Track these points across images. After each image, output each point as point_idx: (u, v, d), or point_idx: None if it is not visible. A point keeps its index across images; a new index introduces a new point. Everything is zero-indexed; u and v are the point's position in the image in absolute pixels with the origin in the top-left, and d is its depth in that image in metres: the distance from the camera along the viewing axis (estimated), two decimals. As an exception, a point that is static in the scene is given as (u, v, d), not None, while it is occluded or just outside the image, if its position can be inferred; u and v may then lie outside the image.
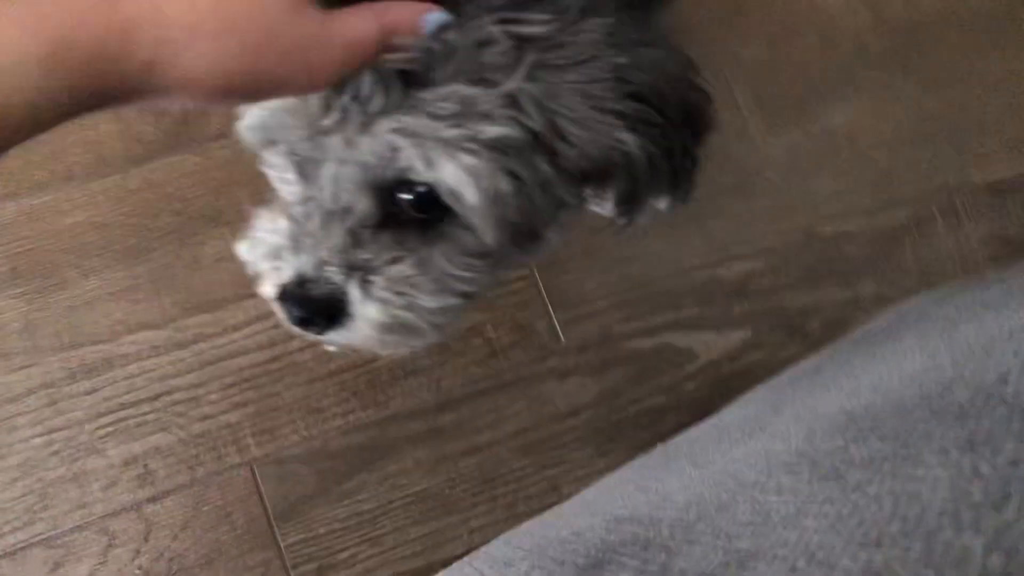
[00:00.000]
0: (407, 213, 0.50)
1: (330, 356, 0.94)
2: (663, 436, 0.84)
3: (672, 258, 0.97)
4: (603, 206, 0.57)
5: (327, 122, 0.47)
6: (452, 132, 0.46)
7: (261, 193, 0.94)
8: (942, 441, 0.28)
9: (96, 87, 0.35)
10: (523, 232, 0.52)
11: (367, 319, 0.52)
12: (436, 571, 0.77)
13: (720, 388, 0.96)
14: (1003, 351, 0.35)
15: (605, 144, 0.49)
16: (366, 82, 0.46)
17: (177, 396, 0.92)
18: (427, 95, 0.46)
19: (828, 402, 0.48)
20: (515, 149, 0.47)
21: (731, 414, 0.76)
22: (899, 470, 0.28)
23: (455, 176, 0.47)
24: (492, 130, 0.46)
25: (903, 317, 0.73)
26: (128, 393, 0.92)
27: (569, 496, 0.83)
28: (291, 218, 0.52)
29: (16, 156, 0.94)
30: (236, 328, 0.93)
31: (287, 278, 0.52)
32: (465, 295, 0.54)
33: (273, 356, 0.94)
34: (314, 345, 0.94)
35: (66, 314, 0.92)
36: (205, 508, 0.91)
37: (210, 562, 0.90)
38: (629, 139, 0.49)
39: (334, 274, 0.51)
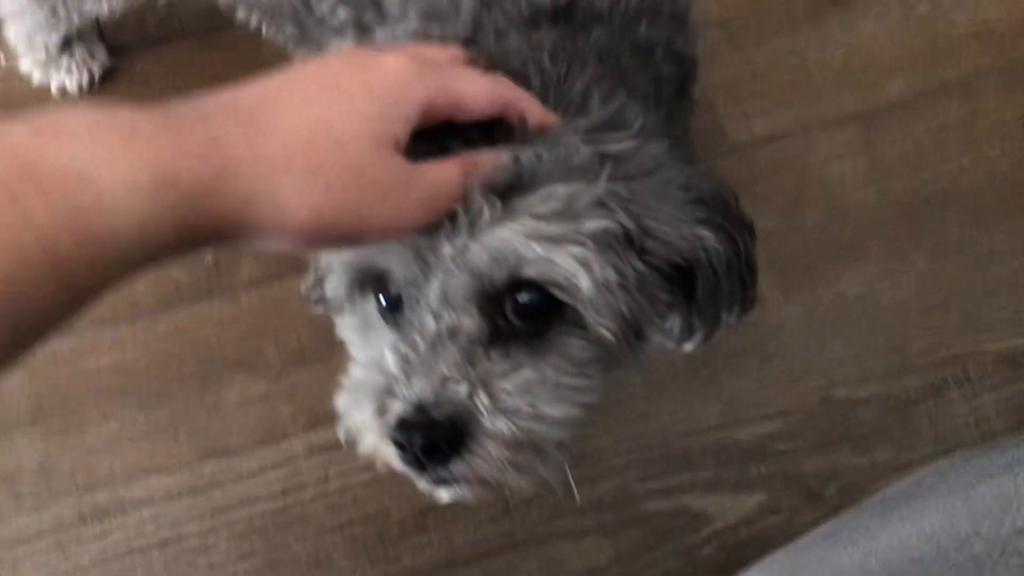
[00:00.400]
0: (514, 327, 0.51)
1: (340, 508, 0.93)
2: (679, 602, 0.82)
3: (688, 418, 0.97)
4: (670, 331, 0.59)
5: (436, 237, 0.49)
6: (557, 228, 0.48)
7: (287, 341, 0.97)
8: (959, 591, 0.28)
9: (199, 223, 0.37)
10: (630, 328, 0.53)
11: (497, 435, 0.49)
12: None
13: (736, 553, 0.94)
14: (1019, 507, 0.35)
15: (688, 238, 0.52)
16: (474, 195, 0.48)
17: (186, 544, 0.91)
18: (528, 198, 0.49)
19: (846, 562, 0.48)
20: (612, 245, 0.50)
21: (748, 578, 0.74)
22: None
23: (568, 266, 0.48)
24: (593, 223, 0.49)
25: (921, 481, 0.72)
26: (138, 538, 0.91)
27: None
28: (394, 351, 0.51)
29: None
30: (251, 475, 0.93)
31: (405, 410, 0.49)
32: (583, 405, 0.54)
33: (285, 505, 0.93)
34: (325, 495, 0.93)
35: (83, 456, 0.92)
36: (205, 663, 0.88)
37: None
38: (708, 235, 0.52)
39: (457, 389, 0.49)
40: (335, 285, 0.57)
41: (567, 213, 0.49)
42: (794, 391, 0.99)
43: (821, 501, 0.95)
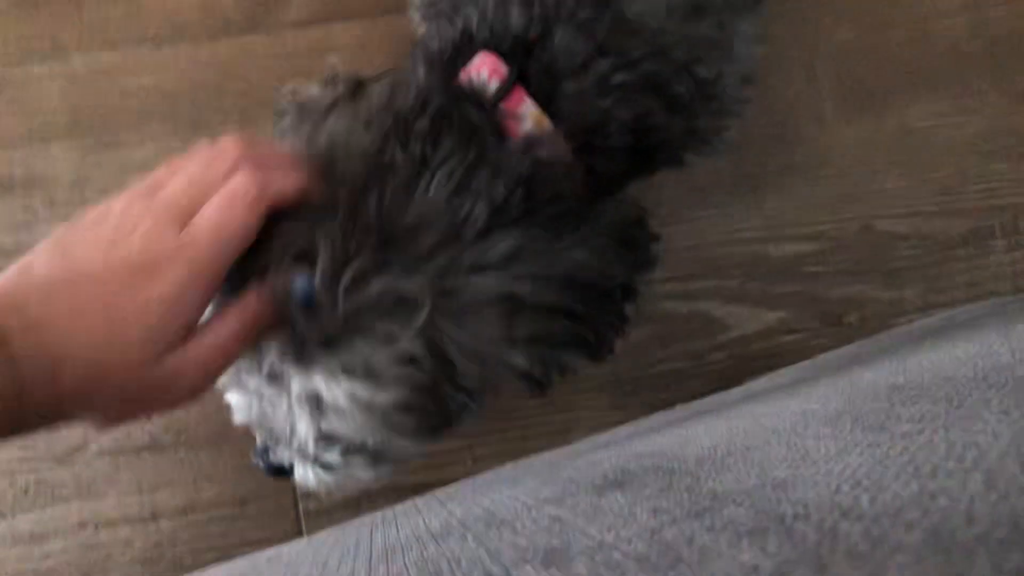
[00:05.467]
0: None
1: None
2: (681, 400, 0.84)
3: (724, 227, 0.96)
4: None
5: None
6: (363, 391, 0.46)
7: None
8: (1002, 404, 0.27)
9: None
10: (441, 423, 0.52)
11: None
12: (434, 487, 0.77)
13: (746, 364, 0.95)
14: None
15: (497, 371, 0.50)
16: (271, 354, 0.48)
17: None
18: (327, 358, 0.46)
19: (870, 377, 0.48)
20: (419, 402, 0.48)
21: (760, 384, 0.76)
22: (953, 424, 0.27)
23: (367, 435, 0.50)
24: (388, 394, 0.47)
25: (953, 318, 0.72)
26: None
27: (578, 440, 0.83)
28: None
29: (94, 9, 0.94)
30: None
31: None
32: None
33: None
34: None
35: (118, 174, 0.92)
36: None
37: None
38: (520, 360, 0.50)
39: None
40: None
41: (369, 375, 0.46)
42: (836, 216, 0.97)
43: (840, 327, 0.95)
